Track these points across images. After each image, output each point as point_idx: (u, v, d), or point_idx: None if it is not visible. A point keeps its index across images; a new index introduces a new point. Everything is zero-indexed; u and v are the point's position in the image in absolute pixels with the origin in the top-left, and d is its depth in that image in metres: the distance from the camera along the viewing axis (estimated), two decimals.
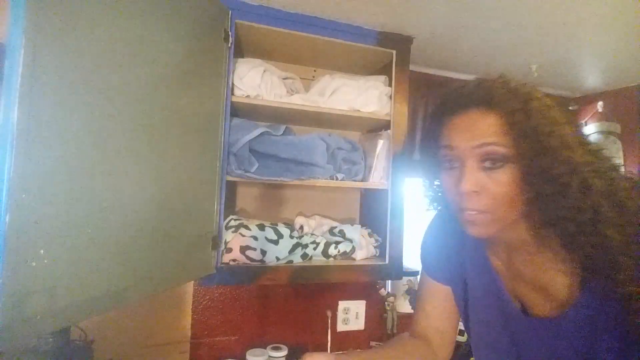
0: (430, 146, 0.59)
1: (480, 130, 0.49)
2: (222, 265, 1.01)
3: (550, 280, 0.53)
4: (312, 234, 1.19)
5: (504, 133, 0.48)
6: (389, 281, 1.54)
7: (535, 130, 0.47)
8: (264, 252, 1.05)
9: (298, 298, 1.41)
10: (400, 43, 1.21)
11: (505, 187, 0.49)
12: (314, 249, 1.14)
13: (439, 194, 0.63)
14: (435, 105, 0.59)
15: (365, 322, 1.49)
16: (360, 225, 1.24)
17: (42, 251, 0.52)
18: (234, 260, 1.03)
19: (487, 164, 0.50)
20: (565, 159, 0.46)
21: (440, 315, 0.72)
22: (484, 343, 0.65)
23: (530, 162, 0.47)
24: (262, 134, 1.08)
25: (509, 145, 0.48)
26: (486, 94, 0.50)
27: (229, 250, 1.02)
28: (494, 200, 0.50)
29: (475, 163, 0.50)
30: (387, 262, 1.17)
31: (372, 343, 1.46)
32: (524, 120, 0.47)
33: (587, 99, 1.77)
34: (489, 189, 0.50)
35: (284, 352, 1.27)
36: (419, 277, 0.79)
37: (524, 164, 0.48)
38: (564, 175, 0.46)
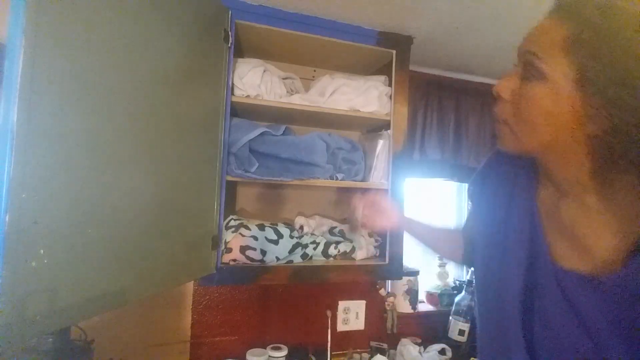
0: None
1: (534, 36, 0.46)
2: (222, 265, 1.01)
3: (596, 239, 0.47)
4: (312, 234, 1.19)
5: (561, 49, 0.42)
6: (389, 281, 1.54)
7: (611, 55, 0.39)
8: (264, 252, 1.05)
9: (298, 298, 1.41)
10: (400, 43, 1.21)
11: (531, 103, 0.45)
12: (314, 249, 1.14)
13: None
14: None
15: (365, 322, 1.49)
16: None
17: (42, 251, 0.52)
18: (234, 260, 1.03)
19: (526, 72, 0.46)
20: None
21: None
22: (489, 282, 0.60)
23: (602, 90, 0.40)
24: (262, 133, 1.08)
25: (556, 64, 0.43)
26: (560, 1, 0.45)
27: (229, 250, 1.02)
28: (516, 113, 0.47)
29: (520, 69, 0.47)
30: (387, 262, 1.17)
31: (372, 343, 1.46)
32: (593, 40, 0.40)
33: None
34: (517, 100, 0.47)
35: (284, 352, 1.27)
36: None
37: (591, 90, 0.41)
38: None
